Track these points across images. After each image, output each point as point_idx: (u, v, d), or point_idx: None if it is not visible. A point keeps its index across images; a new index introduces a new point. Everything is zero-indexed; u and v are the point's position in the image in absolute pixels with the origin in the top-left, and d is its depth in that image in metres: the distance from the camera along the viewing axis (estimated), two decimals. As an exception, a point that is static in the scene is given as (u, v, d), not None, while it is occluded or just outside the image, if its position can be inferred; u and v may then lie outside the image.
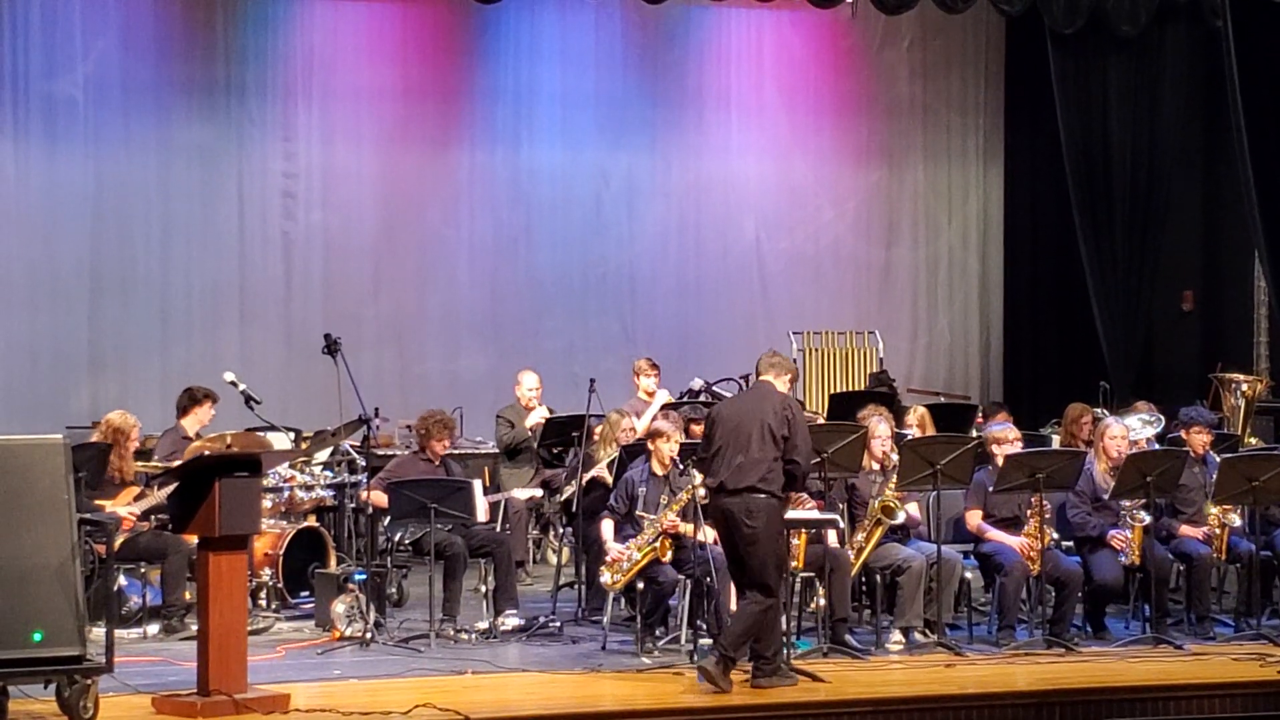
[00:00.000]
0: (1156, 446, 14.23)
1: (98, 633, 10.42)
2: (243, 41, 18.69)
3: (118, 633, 12.10)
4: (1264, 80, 18.47)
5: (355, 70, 19.17)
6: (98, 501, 12.65)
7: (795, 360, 19.42)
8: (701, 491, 11.90)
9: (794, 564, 12.20)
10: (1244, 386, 15.26)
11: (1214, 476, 13.17)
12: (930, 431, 14.70)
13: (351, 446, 14.46)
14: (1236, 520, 13.35)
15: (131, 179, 18.30)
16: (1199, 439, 13.67)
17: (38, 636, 9.72)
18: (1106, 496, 13.01)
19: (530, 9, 19.36)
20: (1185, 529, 13.32)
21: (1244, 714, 11.02)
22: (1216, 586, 13.90)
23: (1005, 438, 13.29)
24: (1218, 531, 13.31)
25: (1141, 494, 12.88)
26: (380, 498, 13.31)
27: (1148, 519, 12.85)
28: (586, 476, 13.87)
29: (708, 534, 12.21)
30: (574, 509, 14.01)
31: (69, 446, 10.18)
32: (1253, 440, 14.70)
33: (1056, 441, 15.06)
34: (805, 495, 12.35)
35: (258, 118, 18.80)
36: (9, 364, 17.75)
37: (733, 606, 11.69)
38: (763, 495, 11.08)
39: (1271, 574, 13.55)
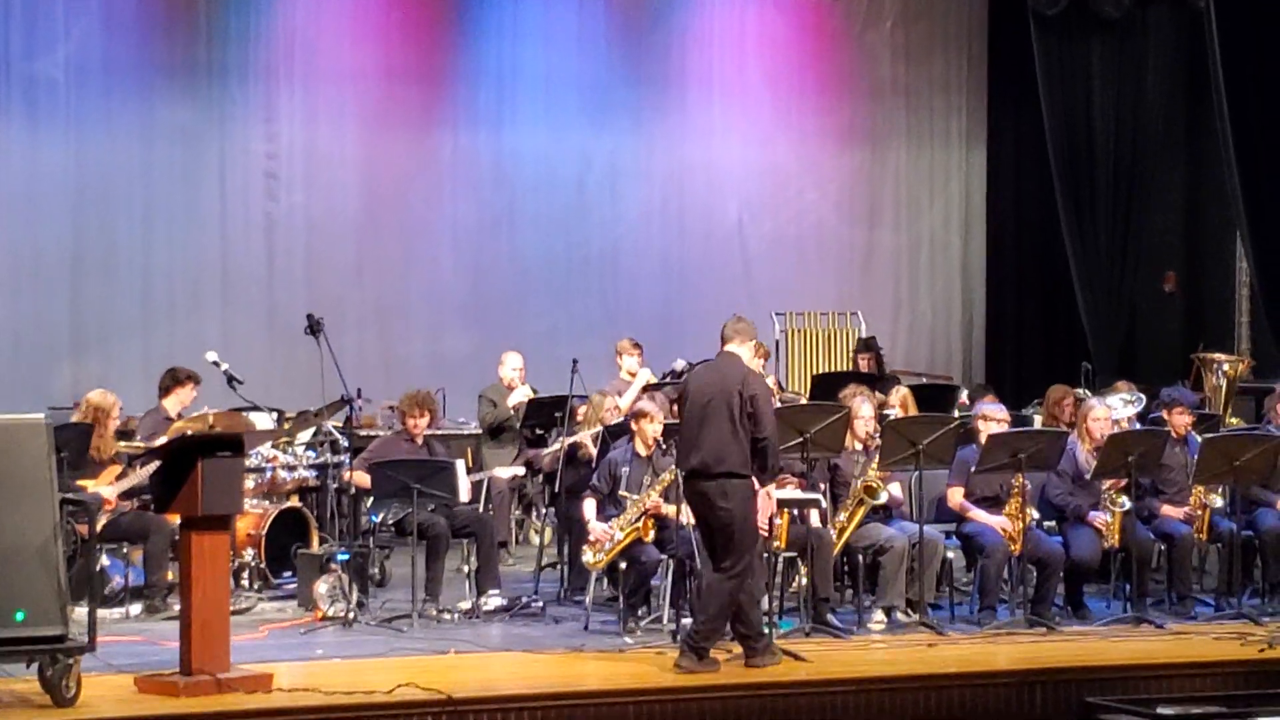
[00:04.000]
0: (1138, 426, 14.24)
1: (80, 612, 10.39)
2: (225, 22, 18.65)
3: (100, 613, 12.08)
4: (1246, 62, 18.50)
5: (337, 51, 19.14)
6: (80, 481, 12.62)
7: (778, 341, 19.44)
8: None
9: (776, 544, 12.21)
10: (1225, 366, 15.29)
11: (1195, 457, 13.20)
12: (913, 412, 14.71)
13: (334, 427, 14.44)
14: (1218, 501, 13.39)
15: (113, 160, 18.27)
16: (1180, 419, 13.70)
17: (20, 616, 9.70)
18: (1088, 476, 13.03)
19: (513, -10, 19.39)
20: (1167, 509, 13.35)
21: (1225, 692, 11.04)
22: (1198, 566, 13.93)
23: (996, 415, 13.31)
24: (1199, 512, 13.35)
25: (1123, 474, 12.90)
26: (363, 478, 13.29)
27: (1128, 504, 12.88)
28: (569, 442, 13.88)
29: (689, 513, 12.21)
30: (556, 488, 14.02)
31: (50, 426, 10.14)
32: (1234, 420, 14.73)
33: (1039, 422, 15.08)
34: (788, 475, 12.36)
35: (240, 99, 18.77)
36: (-8, 344, 17.74)
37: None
38: (735, 476, 11.05)
39: (1252, 554, 13.58)
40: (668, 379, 15.93)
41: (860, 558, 12.76)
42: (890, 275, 21.11)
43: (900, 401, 14.96)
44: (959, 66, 21.34)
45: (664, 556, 12.41)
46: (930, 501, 13.23)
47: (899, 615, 12.64)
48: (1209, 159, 19.62)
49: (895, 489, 12.95)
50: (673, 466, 12.23)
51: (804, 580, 12.43)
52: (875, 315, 20.29)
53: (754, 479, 11.11)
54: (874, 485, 12.70)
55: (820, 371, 18.97)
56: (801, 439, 12.21)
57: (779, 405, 12.43)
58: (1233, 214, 18.90)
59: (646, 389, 14.92)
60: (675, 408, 13.65)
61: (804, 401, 14.73)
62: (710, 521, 11.12)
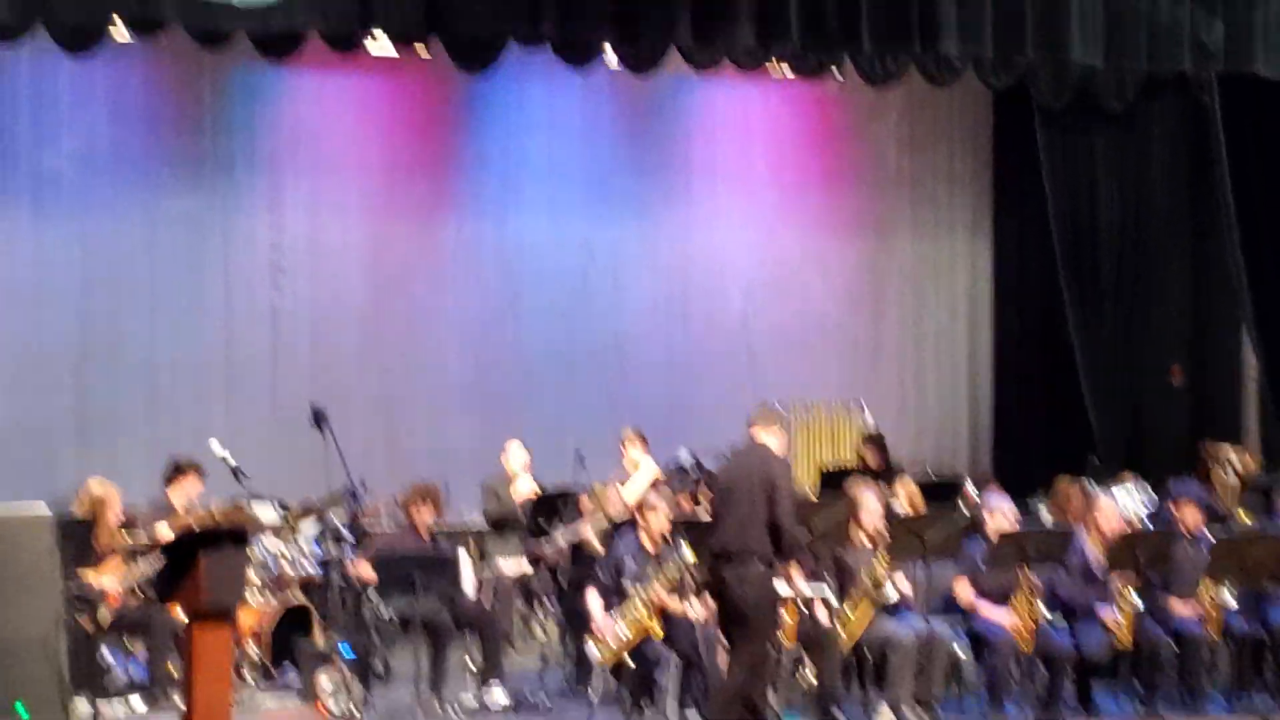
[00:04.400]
0: (1147, 521, 14.18)
1: (83, 705, 10.31)
2: (229, 113, 18.66)
3: (102, 706, 12.04)
4: (1251, 156, 18.51)
5: (342, 142, 19.15)
6: (83, 573, 12.56)
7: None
8: (690, 560, 11.92)
9: (783, 638, 12.13)
10: (1234, 460, 15.24)
11: (1207, 554, 13.13)
12: (919, 504, 14.66)
13: (338, 519, 14.37)
14: (1229, 597, 13.28)
15: (119, 250, 18.25)
16: (1189, 512, 13.64)
17: (21, 708, 9.64)
18: (1097, 571, 12.96)
19: (518, 81, 19.33)
20: (1177, 605, 13.25)
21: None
22: (1209, 663, 13.81)
23: (1000, 510, 13.26)
24: (1210, 609, 13.25)
25: (1133, 570, 12.83)
26: (367, 570, 13.23)
27: (1139, 602, 12.81)
28: (573, 539, 13.82)
29: (697, 610, 12.15)
30: (561, 581, 13.95)
31: (54, 519, 10.11)
32: (1244, 515, 14.65)
33: (1044, 513, 15.00)
34: (797, 563, 12.30)
35: (244, 189, 18.77)
36: (-4, 436, 17.68)
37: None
38: (754, 561, 11.07)
39: (1263, 651, 13.49)
40: (672, 471, 15.87)
41: (867, 653, 12.67)
42: (895, 366, 21.06)
43: (907, 495, 14.90)
44: (964, 158, 21.35)
45: (670, 653, 12.32)
46: (937, 594, 13.15)
47: (906, 712, 12.54)
48: (1214, 251, 19.60)
49: (903, 583, 12.86)
50: (678, 559, 12.20)
51: (810, 675, 12.35)
52: (880, 405, 20.21)
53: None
54: (881, 580, 12.63)
55: (824, 462, 18.90)
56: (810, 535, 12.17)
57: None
58: (1239, 306, 18.88)
59: (655, 483, 14.83)
60: (680, 501, 13.65)
61: (812, 498, 14.68)
62: (727, 606, 11.10)
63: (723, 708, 11.03)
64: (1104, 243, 20.03)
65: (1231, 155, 18.39)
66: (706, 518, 12.28)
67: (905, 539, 12.60)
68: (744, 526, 11.10)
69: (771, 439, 11.54)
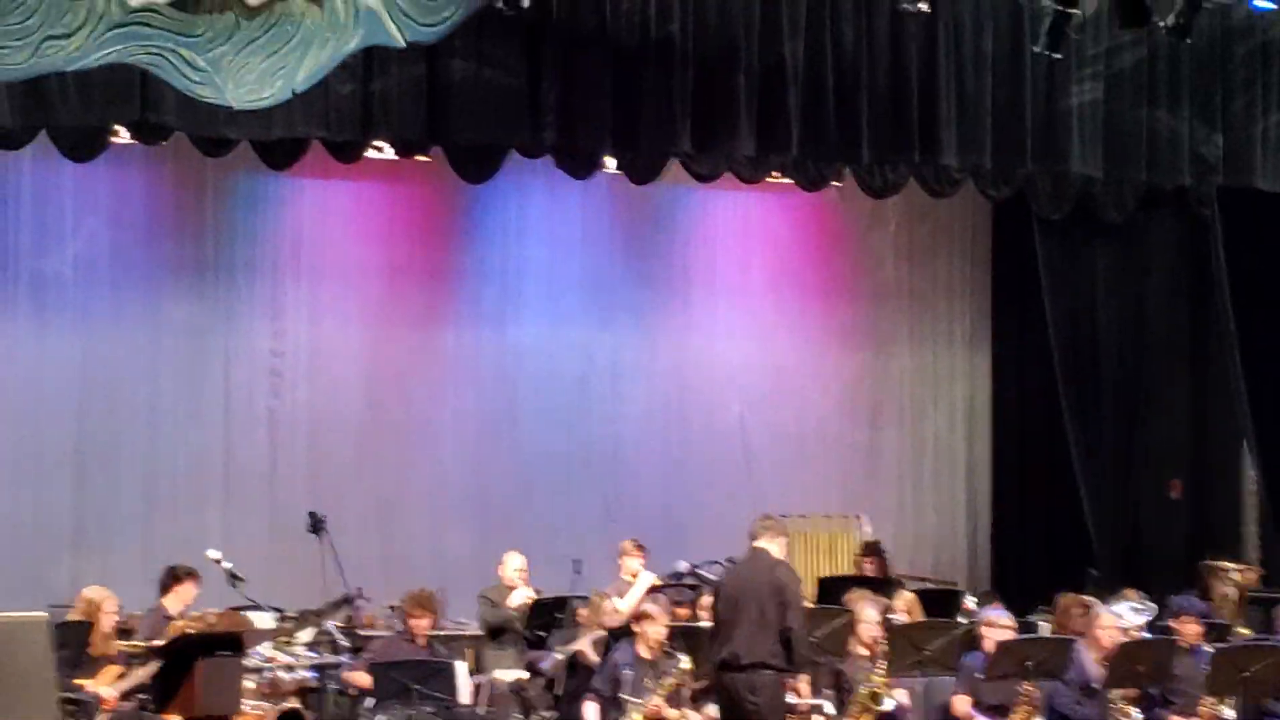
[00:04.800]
0: (1148, 636, 14.13)
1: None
2: (231, 220, 18.71)
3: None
4: (1252, 269, 18.53)
5: (343, 249, 19.19)
6: (77, 680, 12.49)
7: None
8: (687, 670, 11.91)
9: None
10: (1235, 575, 15.22)
11: (1205, 667, 13.08)
12: (917, 615, 14.61)
13: (335, 627, 14.32)
14: (1229, 713, 13.22)
15: (119, 356, 18.25)
16: (1190, 629, 13.61)
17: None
18: (1097, 686, 12.91)
19: (518, 190, 19.41)
20: (1176, 720, 13.21)
21: None
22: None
23: (1001, 622, 13.21)
24: (1211, 724, 13.19)
25: (1133, 684, 12.78)
26: (363, 678, 13.18)
27: (1139, 716, 12.76)
28: (570, 651, 13.77)
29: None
30: (558, 690, 13.88)
31: (51, 624, 10.08)
32: (1244, 630, 14.62)
33: (1045, 629, 14.95)
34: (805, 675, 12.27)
35: (245, 296, 18.79)
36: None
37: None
38: (765, 670, 11.06)
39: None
40: (669, 580, 15.83)
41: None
42: (894, 477, 21.03)
43: (906, 606, 14.85)
44: (963, 268, 21.39)
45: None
46: (935, 707, 13.08)
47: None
48: (1215, 364, 19.62)
49: (902, 696, 12.82)
50: (676, 669, 12.16)
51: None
52: (879, 518, 20.17)
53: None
54: (879, 691, 12.58)
55: (823, 574, 18.84)
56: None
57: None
58: (1238, 420, 18.87)
59: (651, 590, 14.79)
60: (677, 610, 13.61)
61: (810, 605, 14.61)
62: (735, 715, 11.05)
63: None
64: (1104, 354, 20.04)
65: (1231, 268, 18.42)
66: (705, 626, 12.23)
67: (903, 650, 12.55)
68: (755, 636, 11.09)
69: (775, 548, 11.54)
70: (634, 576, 15.36)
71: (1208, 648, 13.46)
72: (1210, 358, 19.94)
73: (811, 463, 20.67)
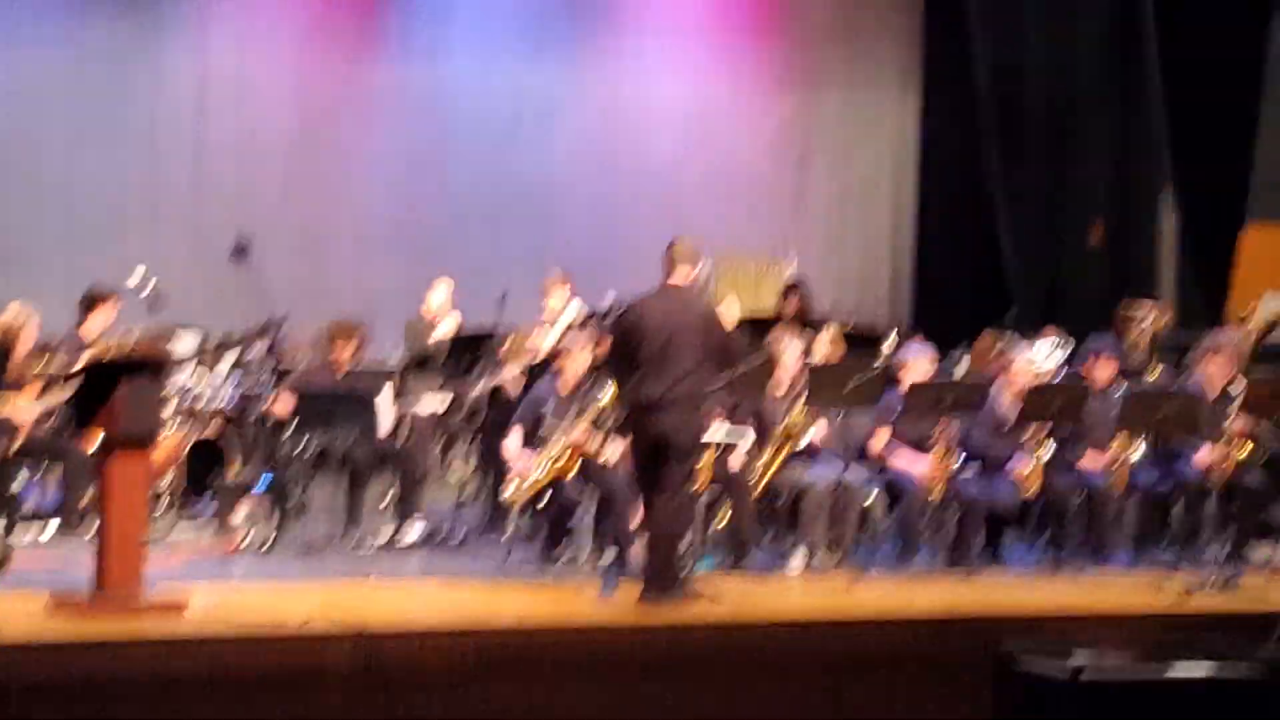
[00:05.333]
0: (1062, 375, 14.27)
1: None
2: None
3: (15, 533, 12.03)
4: (1180, 20, 18.49)
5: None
6: (-2, 400, 12.53)
7: (710, 283, 19.35)
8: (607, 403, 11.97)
9: (701, 481, 12.19)
10: (1150, 318, 15.33)
11: (1118, 407, 13.24)
12: (840, 353, 14.64)
13: (259, 353, 14.32)
14: (1136, 454, 13.42)
15: (42, 77, 18.06)
16: (1104, 369, 13.76)
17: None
18: (1010, 425, 13.08)
19: (453, -81, 19.26)
20: (1087, 459, 13.37)
21: (1140, 639, 11.09)
22: (1115, 516, 13.95)
23: (921, 361, 13.33)
24: (1118, 463, 13.36)
25: (1044, 424, 12.96)
26: (285, 406, 13.21)
27: (1049, 452, 12.94)
28: (491, 384, 13.83)
29: (613, 452, 12.22)
30: (479, 424, 13.97)
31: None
32: (1156, 372, 14.76)
33: (963, 367, 15.05)
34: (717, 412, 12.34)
35: (171, 19, 18.58)
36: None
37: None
38: (696, 410, 11.09)
39: (1169, 505, 13.66)
40: (595, 315, 15.81)
41: (782, 499, 12.77)
42: (820, 219, 21.08)
43: (833, 339, 14.75)
44: (893, 10, 21.30)
45: (584, 494, 12.37)
46: (854, 443, 13.23)
47: (819, 557, 12.65)
48: (1139, 112, 19.64)
49: (821, 429, 12.91)
50: (598, 402, 12.24)
51: (724, 521, 12.45)
52: (804, 259, 20.21)
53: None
54: (795, 429, 12.71)
55: (749, 312, 18.87)
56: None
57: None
58: (1159, 167, 18.95)
59: (570, 327, 14.76)
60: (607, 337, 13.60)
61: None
62: (662, 450, 11.01)
63: (665, 557, 11.02)
64: (1030, 100, 20.03)
65: (1160, 16, 18.38)
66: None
67: (822, 386, 12.64)
68: (687, 378, 10.99)
69: (693, 277, 11.42)
70: (557, 311, 15.37)
71: (1122, 388, 13.61)
72: (1136, 105, 19.95)
73: (740, 203, 20.68)
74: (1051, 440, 13.00)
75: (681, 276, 11.35)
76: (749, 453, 12.65)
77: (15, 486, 12.84)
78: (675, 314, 11.13)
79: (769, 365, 12.88)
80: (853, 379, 12.62)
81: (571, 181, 20.12)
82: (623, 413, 11.57)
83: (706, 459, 12.19)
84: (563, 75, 20.12)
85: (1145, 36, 18.54)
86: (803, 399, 12.76)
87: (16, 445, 12.48)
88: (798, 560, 12.64)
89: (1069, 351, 14.90)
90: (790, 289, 17.58)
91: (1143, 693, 9.50)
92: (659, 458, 11.06)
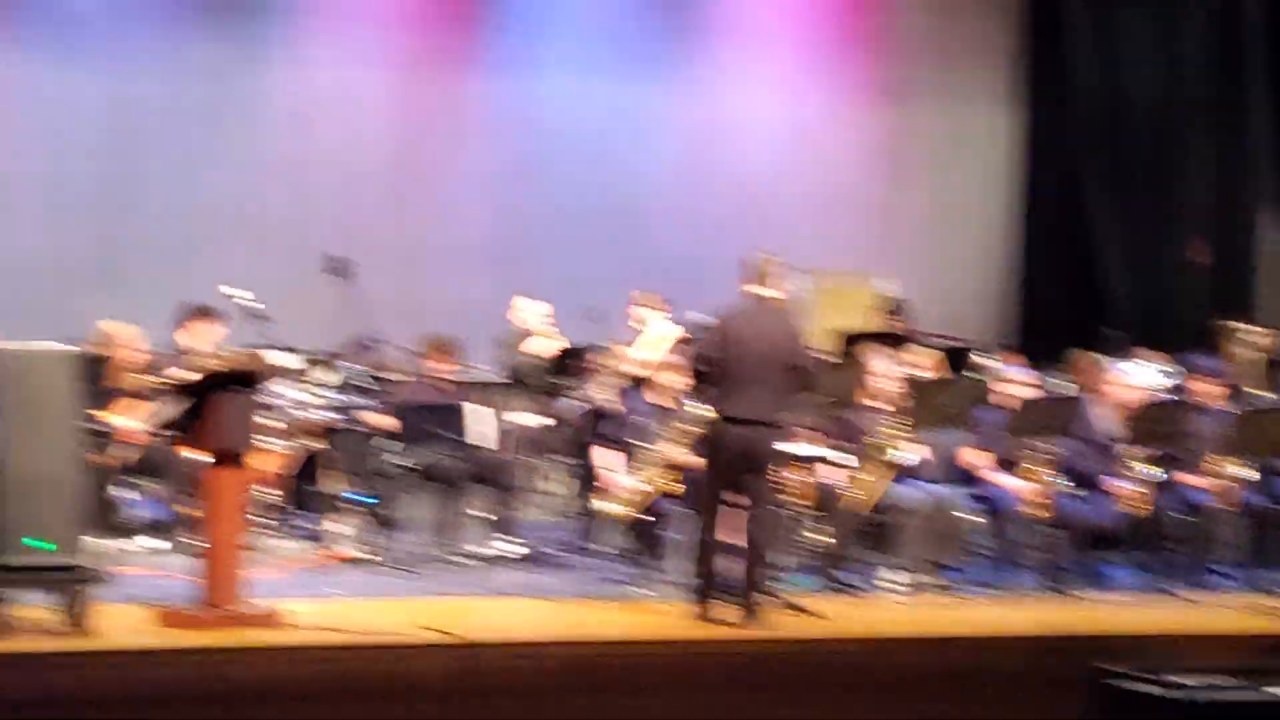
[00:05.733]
0: (1165, 395, 14.18)
1: (98, 544, 10.38)
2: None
3: (118, 545, 12.13)
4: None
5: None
6: (100, 413, 12.61)
7: (804, 299, 19.33)
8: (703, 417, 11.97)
9: (798, 499, 12.17)
10: (1254, 337, 15.19)
11: (1222, 428, 13.12)
12: (938, 372, 14.60)
13: (358, 370, 14.39)
14: (1245, 473, 13.26)
15: (143, 97, 18.24)
16: (1207, 388, 13.64)
17: (36, 544, 9.71)
18: (1106, 441, 12.99)
19: (546, -63, 19.35)
20: (1190, 479, 13.26)
21: (1243, 664, 11.00)
22: (1221, 538, 13.81)
23: (1019, 379, 13.27)
24: (1226, 483, 13.21)
25: (1147, 442, 12.86)
26: (385, 421, 13.28)
27: (1152, 473, 12.84)
28: (589, 405, 13.85)
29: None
30: (577, 438, 13.99)
31: (76, 357, 10.16)
32: (1262, 390, 14.63)
33: (1063, 386, 14.95)
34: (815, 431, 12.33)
35: (273, 39, 18.74)
36: (18, 276, 17.66)
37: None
38: (780, 429, 11.11)
39: (1276, 526, 13.50)
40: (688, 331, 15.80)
41: (879, 518, 12.72)
42: (919, 237, 20.98)
43: (926, 363, 14.76)
44: (999, 27, 21.22)
45: (678, 510, 12.36)
46: (951, 462, 13.17)
47: (918, 577, 12.60)
48: (1242, 128, 19.54)
49: (918, 449, 12.87)
50: (693, 418, 12.23)
51: (823, 538, 12.42)
52: (902, 277, 20.14)
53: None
54: (891, 446, 12.66)
55: (845, 327, 18.86)
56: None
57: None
58: (1259, 184, 18.85)
59: (666, 344, 14.75)
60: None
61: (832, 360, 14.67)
62: (749, 468, 11.04)
63: (759, 569, 11.05)
64: (1131, 118, 19.93)
65: (1266, 33, 18.26)
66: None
67: (921, 405, 12.60)
68: (775, 397, 11.02)
69: (782, 294, 11.43)
70: (645, 326, 15.35)
71: (1227, 407, 13.48)
72: (1238, 125, 19.85)
73: (836, 220, 20.63)
74: (1153, 463, 12.89)
75: (769, 290, 11.34)
76: (850, 472, 12.62)
77: (123, 498, 12.95)
78: (763, 329, 11.17)
79: (859, 380, 12.85)
80: (954, 398, 12.58)
81: (664, 197, 20.14)
82: (706, 426, 11.58)
83: (804, 477, 12.17)
84: (656, 91, 20.15)
85: (1249, 53, 18.41)
86: (904, 418, 12.70)
87: (119, 457, 12.57)
88: (897, 579, 12.58)
89: (1171, 370, 14.80)
90: (894, 309, 17.57)
91: (1240, 713, 9.41)
92: (744, 471, 11.09)
